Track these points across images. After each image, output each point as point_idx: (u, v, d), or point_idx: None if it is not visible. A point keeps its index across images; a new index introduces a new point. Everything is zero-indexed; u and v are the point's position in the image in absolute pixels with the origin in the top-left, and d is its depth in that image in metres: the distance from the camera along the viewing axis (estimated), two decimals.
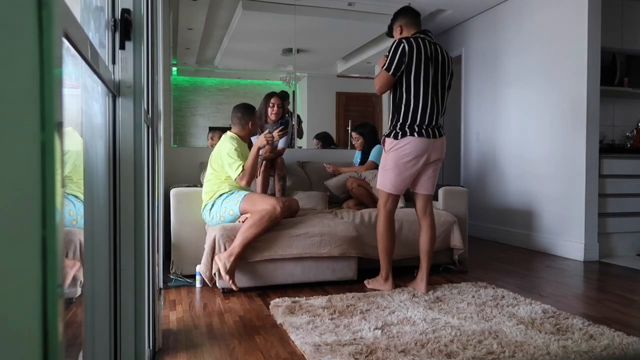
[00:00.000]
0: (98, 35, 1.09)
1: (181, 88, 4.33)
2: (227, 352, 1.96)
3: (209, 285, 2.91)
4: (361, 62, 4.94)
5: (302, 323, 2.22)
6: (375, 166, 3.75)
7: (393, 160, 2.77)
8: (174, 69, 4.27)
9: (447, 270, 3.48)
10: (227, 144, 3.03)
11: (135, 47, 1.23)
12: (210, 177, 3.10)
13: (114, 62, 1.19)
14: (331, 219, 3.14)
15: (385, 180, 2.83)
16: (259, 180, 3.55)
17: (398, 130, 2.75)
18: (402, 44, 2.70)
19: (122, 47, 1.20)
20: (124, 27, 1.20)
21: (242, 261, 2.84)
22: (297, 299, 2.65)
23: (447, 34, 5.78)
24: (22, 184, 0.33)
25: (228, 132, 3.18)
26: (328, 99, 4.80)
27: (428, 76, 2.72)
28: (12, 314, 0.32)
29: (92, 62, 0.81)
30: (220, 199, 3.02)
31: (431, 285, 2.97)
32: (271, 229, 2.85)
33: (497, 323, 2.24)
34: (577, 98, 3.99)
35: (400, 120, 2.75)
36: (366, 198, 3.71)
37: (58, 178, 0.36)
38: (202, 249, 2.94)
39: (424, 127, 2.72)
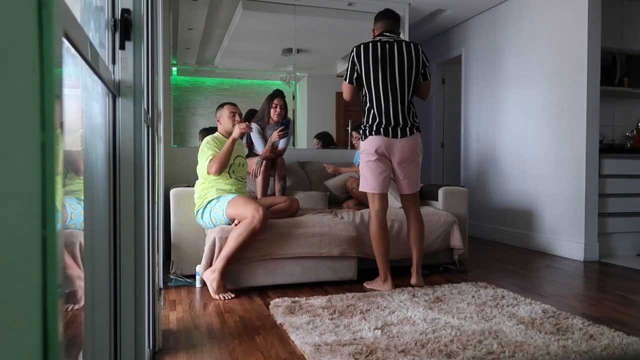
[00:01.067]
0: (98, 35, 1.09)
1: (181, 88, 4.33)
2: (227, 352, 1.96)
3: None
4: None
5: (302, 323, 2.22)
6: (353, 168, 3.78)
7: (364, 160, 2.91)
8: (174, 69, 4.27)
9: (447, 270, 3.48)
10: (203, 142, 3.09)
11: (135, 47, 1.23)
12: (198, 181, 3.11)
13: (114, 62, 1.19)
14: (331, 219, 3.14)
15: (363, 182, 2.96)
16: (259, 179, 3.54)
17: (362, 133, 2.92)
18: (352, 53, 2.88)
19: (122, 47, 1.20)
20: (124, 27, 1.20)
21: (241, 262, 2.84)
22: (297, 299, 2.65)
23: (447, 34, 5.78)
24: (22, 184, 0.33)
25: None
26: (328, 99, 4.80)
27: (385, 77, 2.80)
28: (12, 314, 0.32)
29: (92, 62, 0.81)
30: (208, 208, 3.00)
31: (431, 285, 2.97)
32: (253, 239, 2.80)
33: (497, 323, 2.24)
34: (577, 98, 3.99)
35: (364, 123, 2.91)
36: (366, 198, 3.70)
37: (58, 178, 0.36)
38: (202, 249, 2.94)
39: (383, 126, 2.82)
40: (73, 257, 0.97)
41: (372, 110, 2.84)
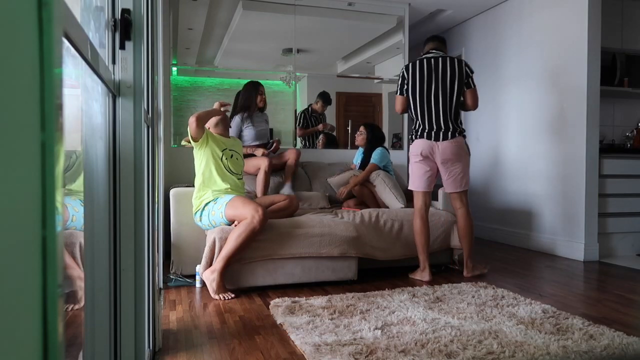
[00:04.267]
0: (98, 35, 1.09)
1: (181, 88, 4.33)
2: (227, 352, 1.96)
3: None
4: (361, 62, 4.94)
5: (302, 323, 2.22)
6: (377, 168, 3.77)
7: (411, 162, 3.31)
8: (174, 69, 4.27)
9: (447, 270, 3.48)
10: None
11: (135, 47, 1.23)
12: (195, 181, 3.10)
13: (114, 62, 1.19)
14: (331, 219, 3.14)
15: (410, 180, 3.37)
16: (260, 178, 3.55)
17: (410, 137, 3.35)
18: (402, 70, 3.33)
19: (122, 47, 1.20)
20: (124, 27, 1.20)
21: (241, 262, 2.84)
22: (297, 299, 2.65)
23: (447, 34, 5.78)
24: (22, 184, 0.33)
25: None
26: None
27: (430, 88, 3.18)
28: (12, 314, 0.32)
29: (92, 62, 0.81)
30: (206, 210, 2.99)
31: (431, 285, 2.98)
32: (252, 239, 2.80)
33: (497, 323, 2.24)
34: (577, 98, 3.99)
35: (412, 128, 3.33)
36: (367, 197, 3.71)
37: (58, 178, 0.36)
38: (202, 248, 2.94)
39: (426, 131, 3.19)
40: (73, 257, 0.97)
41: (417, 118, 3.23)
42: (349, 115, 4.79)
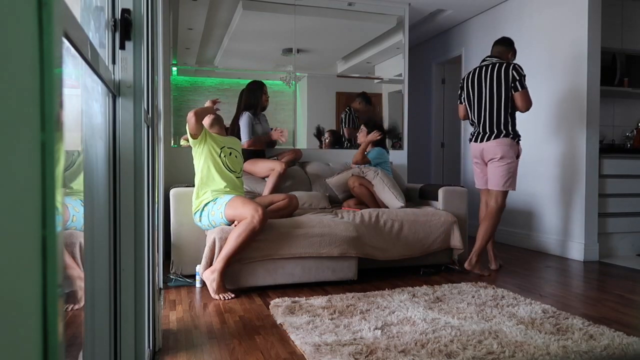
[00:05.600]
0: (98, 35, 1.09)
1: (181, 88, 4.33)
2: (227, 352, 1.96)
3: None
4: (361, 62, 4.94)
5: (302, 323, 2.22)
6: (367, 162, 3.88)
7: (473, 162, 3.64)
8: (174, 69, 4.26)
9: (447, 270, 3.48)
10: None
11: (135, 47, 1.23)
12: (195, 180, 3.09)
13: (114, 62, 1.19)
14: (331, 219, 3.14)
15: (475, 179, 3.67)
16: (272, 179, 3.58)
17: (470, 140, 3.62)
18: (462, 80, 3.64)
19: (122, 47, 1.20)
20: (124, 27, 1.20)
21: (241, 262, 2.84)
22: (297, 299, 2.65)
23: (447, 34, 5.78)
24: (22, 184, 0.33)
25: None
26: (328, 99, 4.79)
27: (480, 94, 3.44)
28: (12, 314, 0.32)
29: (92, 62, 0.81)
30: (205, 211, 2.98)
31: (431, 285, 2.98)
32: (252, 239, 2.80)
33: (497, 323, 2.24)
34: (577, 98, 3.99)
35: (471, 132, 3.59)
36: (367, 197, 3.71)
37: (58, 178, 0.36)
38: (202, 249, 2.94)
39: (476, 134, 3.49)
40: (73, 257, 0.97)
41: (474, 123, 3.52)
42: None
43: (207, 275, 2.78)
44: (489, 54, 3.56)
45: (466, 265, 3.36)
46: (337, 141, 4.72)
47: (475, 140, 3.48)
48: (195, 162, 3.06)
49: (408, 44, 4.90)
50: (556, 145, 4.19)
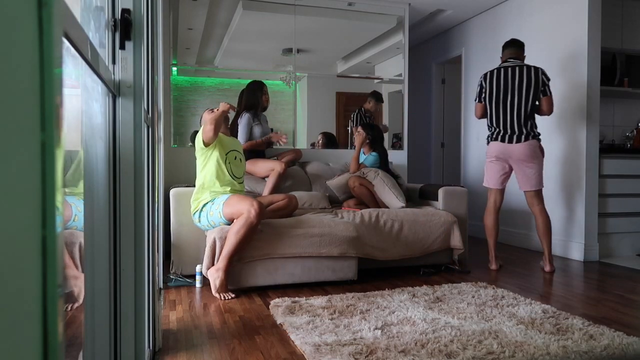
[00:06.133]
0: (98, 35, 1.09)
1: (181, 88, 4.33)
2: (227, 352, 1.96)
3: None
4: (361, 62, 4.94)
5: (302, 323, 2.22)
6: (360, 167, 3.87)
7: (487, 161, 3.62)
8: (174, 69, 4.26)
9: (447, 270, 3.48)
10: (196, 136, 3.05)
11: (135, 47, 1.23)
12: (196, 182, 3.09)
13: (114, 62, 1.19)
14: (331, 219, 3.14)
15: (485, 178, 3.65)
16: (272, 179, 3.58)
17: (487, 139, 3.62)
18: (480, 79, 3.61)
19: (122, 47, 1.20)
20: (124, 27, 1.20)
21: (242, 261, 2.84)
22: (297, 299, 2.65)
23: (447, 34, 5.78)
24: (22, 184, 0.33)
25: None
26: (328, 99, 4.79)
27: (506, 96, 3.45)
28: (12, 314, 0.32)
29: (92, 62, 0.81)
30: (204, 211, 2.98)
31: (431, 285, 2.98)
32: (252, 234, 2.79)
33: (497, 323, 2.24)
34: (577, 98, 3.99)
35: (488, 132, 3.60)
36: (367, 198, 3.71)
37: (58, 178, 0.36)
38: (202, 249, 2.94)
39: (501, 134, 3.48)
40: (73, 257, 0.97)
41: (493, 123, 3.52)
42: (349, 116, 4.79)
43: (212, 273, 2.77)
44: (499, 55, 3.61)
45: (548, 269, 3.47)
46: (330, 143, 4.70)
47: (497, 140, 3.50)
48: (198, 163, 3.05)
49: (408, 44, 4.90)
50: (556, 145, 4.19)
